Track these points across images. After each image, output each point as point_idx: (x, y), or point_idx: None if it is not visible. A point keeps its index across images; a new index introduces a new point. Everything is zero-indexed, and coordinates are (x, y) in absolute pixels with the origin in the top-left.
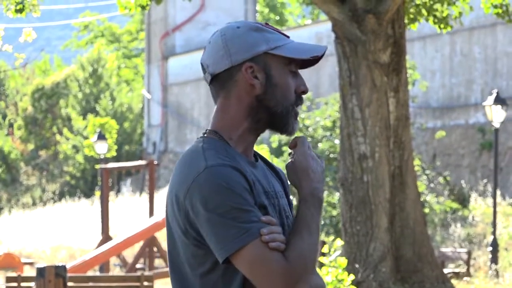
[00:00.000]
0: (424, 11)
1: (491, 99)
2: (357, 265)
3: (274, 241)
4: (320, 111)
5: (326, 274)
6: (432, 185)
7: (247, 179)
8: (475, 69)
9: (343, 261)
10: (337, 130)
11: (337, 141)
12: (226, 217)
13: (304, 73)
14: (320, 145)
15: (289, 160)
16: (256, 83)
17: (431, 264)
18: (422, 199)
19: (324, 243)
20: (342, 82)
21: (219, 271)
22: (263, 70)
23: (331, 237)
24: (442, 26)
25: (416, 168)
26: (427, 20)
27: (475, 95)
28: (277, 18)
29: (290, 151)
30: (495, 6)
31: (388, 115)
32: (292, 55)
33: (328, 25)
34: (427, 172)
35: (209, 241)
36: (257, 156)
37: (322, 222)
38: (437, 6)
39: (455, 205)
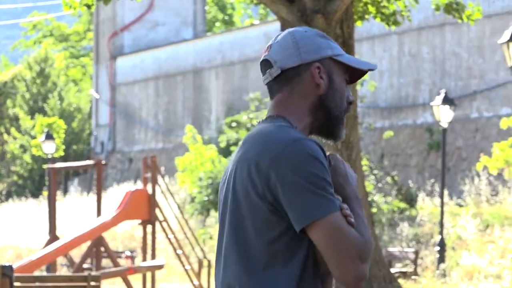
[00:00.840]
0: (371, 8)
1: (439, 99)
2: None
3: (351, 217)
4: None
5: None
6: (379, 185)
7: (326, 157)
8: (423, 69)
9: None
10: None
11: None
12: (315, 185)
13: (253, 73)
14: None
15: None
16: (321, 83)
17: (379, 264)
18: (369, 199)
19: None
20: None
21: (284, 240)
22: (327, 73)
23: None
24: (390, 23)
25: (364, 168)
26: (375, 17)
27: (423, 95)
28: (226, 18)
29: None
30: (446, 4)
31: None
32: (354, 64)
33: (277, 25)
34: (375, 172)
35: (291, 206)
36: None
37: None
38: (384, 3)
39: (402, 205)
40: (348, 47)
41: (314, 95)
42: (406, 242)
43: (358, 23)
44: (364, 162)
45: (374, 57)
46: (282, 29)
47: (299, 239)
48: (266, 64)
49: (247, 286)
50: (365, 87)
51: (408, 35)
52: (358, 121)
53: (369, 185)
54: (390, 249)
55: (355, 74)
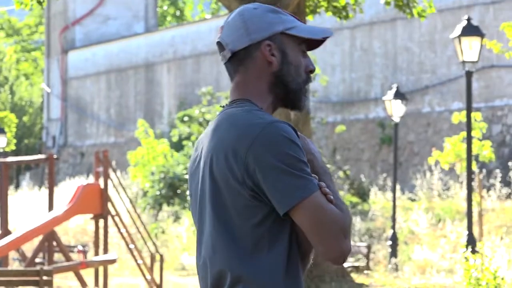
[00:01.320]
0: (323, 2)
1: (390, 93)
2: None
3: (330, 194)
4: (221, 105)
5: None
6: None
7: (298, 137)
8: (375, 64)
9: None
10: None
11: None
12: (294, 167)
13: (205, 67)
14: None
15: None
16: (273, 60)
17: None
18: None
19: None
20: None
21: (268, 224)
22: (279, 48)
23: None
24: (341, 16)
25: None
26: (326, 11)
27: (375, 89)
28: (177, 13)
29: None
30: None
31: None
32: (307, 35)
33: None
34: (327, 166)
35: (272, 190)
36: None
37: None
38: None
39: (355, 199)
40: None
41: (269, 73)
42: (358, 237)
43: (310, 17)
44: None
45: (325, 51)
46: None
47: (282, 222)
48: (220, 47)
49: (238, 271)
50: (317, 82)
51: (360, 30)
52: (310, 115)
53: None
54: None
55: (313, 42)
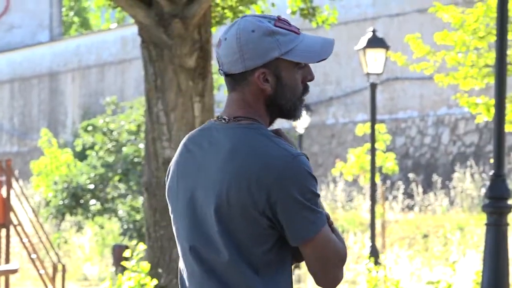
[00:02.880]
0: (229, 14)
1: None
2: (160, 270)
3: (331, 223)
4: (125, 115)
5: (128, 279)
6: None
7: None
8: None
9: (146, 266)
10: (142, 134)
11: (141, 145)
12: (311, 202)
13: (109, 77)
14: (124, 149)
15: None
16: (266, 87)
17: None
18: None
19: (127, 247)
20: (148, 86)
21: (275, 249)
22: (273, 73)
23: (134, 242)
24: None
25: None
26: (232, 22)
27: None
28: (82, 21)
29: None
30: (302, 9)
31: (194, 120)
32: (302, 60)
33: (134, 28)
34: None
35: (290, 222)
36: None
37: (125, 227)
38: (242, 8)
39: None
40: (206, 52)
41: (264, 96)
42: None
43: (214, 29)
44: None
45: None
46: (140, 33)
47: (287, 246)
48: (217, 59)
49: None
50: (222, 92)
51: None
52: None
53: None
54: None
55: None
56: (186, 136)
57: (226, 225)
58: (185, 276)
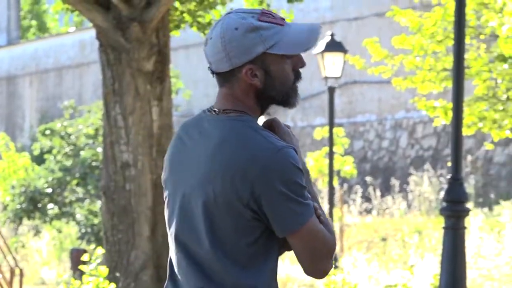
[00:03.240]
0: (188, 18)
1: None
2: (118, 274)
3: (321, 215)
4: (83, 119)
5: (87, 283)
6: None
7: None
8: None
9: (104, 270)
10: (100, 138)
11: (99, 149)
12: (297, 194)
13: (67, 80)
14: (82, 153)
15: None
16: (255, 81)
17: None
18: None
19: (85, 251)
20: (106, 90)
21: (261, 241)
22: (261, 68)
23: (92, 246)
24: (206, 32)
25: None
26: (191, 26)
27: None
28: (39, 25)
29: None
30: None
31: (152, 124)
32: (287, 51)
33: (92, 32)
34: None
35: (275, 214)
36: None
37: (83, 231)
38: (201, 12)
39: None
40: (164, 55)
41: (253, 90)
42: None
43: (175, 33)
44: None
45: (189, 65)
46: (98, 36)
47: (273, 237)
48: (207, 57)
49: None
50: (181, 96)
51: None
52: (173, 130)
53: None
54: None
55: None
56: (181, 125)
57: (211, 217)
58: (174, 266)
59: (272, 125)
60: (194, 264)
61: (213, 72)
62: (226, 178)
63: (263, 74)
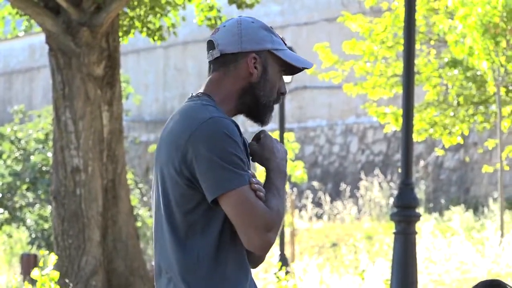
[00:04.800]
0: (138, 23)
1: None
2: (67, 280)
3: (260, 192)
4: (33, 124)
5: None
6: (145, 198)
7: (241, 135)
8: (189, 83)
9: (55, 275)
10: (50, 143)
11: (50, 154)
12: (225, 161)
13: (17, 85)
14: (32, 158)
15: (253, 145)
16: (255, 72)
17: (143, 278)
18: (135, 213)
19: (35, 256)
20: (56, 95)
21: (200, 211)
22: (262, 64)
23: (43, 251)
24: (156, 37)
25: (129, 181)
26: (141, 32)
27: None
28: None
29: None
30: (209, 19)
31: (102, 129)
32: (290, 60)
33: (42, 36)
34: (140, 185)
35: (204, 180)
36: None
37: (34, 236)
38: (151, 18)
39: None
40: (114, 60)
41: (246, 81)
42: None
43: (125, 40)
44: (129, 176)
45: (139, 70)
46: (47, 41)
47: (214, 209)
48: (210, 45)
49: (173, 257)
50: (131, 101)
51: (173, 49)
52: (123, 135)
53: (134, 199)
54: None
55: (292, 69)
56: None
57: (165, 190)
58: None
59: (259, 137)
60: (158, 239)
61: (217, 56)
62: (168, 149)
63: (261, 71)
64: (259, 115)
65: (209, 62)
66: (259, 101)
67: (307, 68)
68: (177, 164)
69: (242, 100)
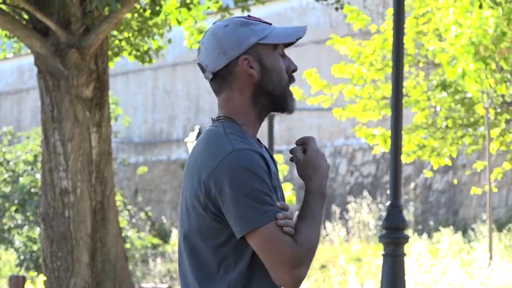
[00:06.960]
0: (126, 46)
1: (193, 135)
2: None
3: (287, 226)
4: (22, 145)
5: None
6: (133, 220)
7: (266, 163)
8: (178, 105)
9: None
10: (39, 165)
11: (38, 176)
12: (249, 198)
13: (6, 106)
14: (21, 179)
15: (299, 155)
16: (253, 72)
17: None
18: (123, 235)
19: (24, 278)
20: (44, 117)
21: (231, 244)
22: (256, 59)
23: (32, 273)
24: (144, 60)
25: (118, 203)
26: (129, 54)
27: (177, 131)
28: None
29: (294, 147)
30: (199, 42)
31: (91, 150)
32: (279, 41)
33: (31, 58)
34: (129, 207)
35: (230, 217)
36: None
37: (22, 258)
38: (139, 41)
39: (156, 240)
40: (103, 82)
41: (252, 85)
42: (159, 278)
43: (111, 64)
44: (118, 197)
45: (128, 92)
46: (36, 63)
47: (244, 244)
48: (201, 68)
49: None
50: (120, 122)
51: (162, 71)
52: (112, 156)
53: (123, 221)
54: (144, 285)
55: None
56: None
57: (187, 220)
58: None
59: (305, 142)
60: (182, 273)
61: (211, 76)
62: (192, 181)
63: (258, 66)
64: (281, 106)
65: (210, 83)
66: (273, 95)
67: (301, 38)
68: (202, 199)
69: (259, 104)
